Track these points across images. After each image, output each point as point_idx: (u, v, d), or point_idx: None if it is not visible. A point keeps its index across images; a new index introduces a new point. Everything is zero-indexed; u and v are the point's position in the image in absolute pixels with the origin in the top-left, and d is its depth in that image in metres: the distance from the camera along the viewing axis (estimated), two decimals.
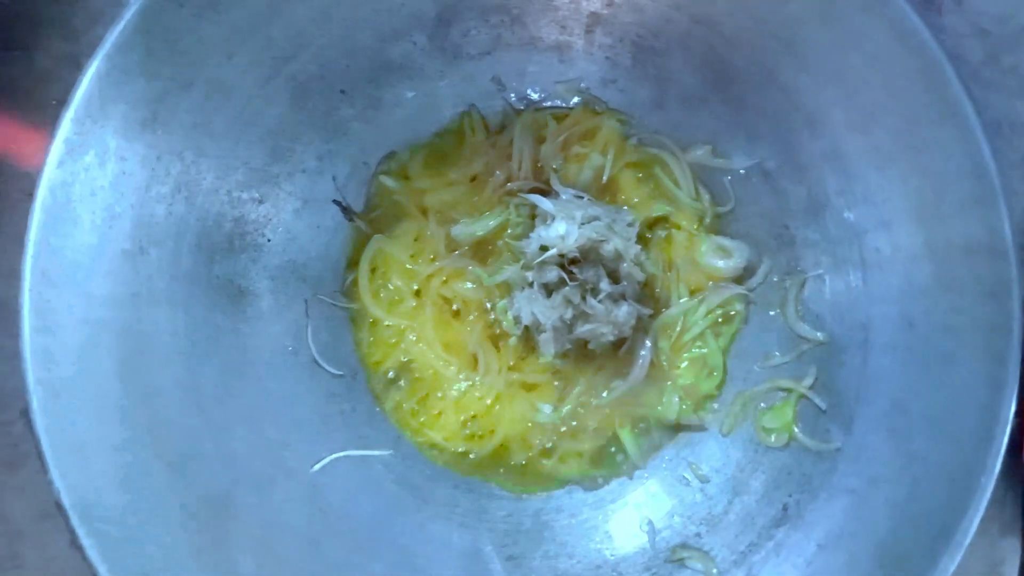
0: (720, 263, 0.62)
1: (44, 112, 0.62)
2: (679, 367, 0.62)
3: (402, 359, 0.63)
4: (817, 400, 0.58)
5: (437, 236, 0.63)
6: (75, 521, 0.47)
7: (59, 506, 0.47)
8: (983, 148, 0.49)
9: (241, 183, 0.58)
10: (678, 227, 0.63)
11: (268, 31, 0.55)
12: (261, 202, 0.59)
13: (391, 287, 0.64)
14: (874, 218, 0.55)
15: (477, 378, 0.62)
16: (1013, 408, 0.47)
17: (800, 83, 0.56)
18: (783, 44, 0.55)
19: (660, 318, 0.62)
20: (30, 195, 0.50)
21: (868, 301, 0.56)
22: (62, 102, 0.52)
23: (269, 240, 0.60)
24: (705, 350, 0.62)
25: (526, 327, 0.61)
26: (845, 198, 0.57)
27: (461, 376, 0.62)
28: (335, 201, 0.62)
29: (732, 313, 0.62)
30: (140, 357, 0.52)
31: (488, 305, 0.63)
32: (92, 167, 0.51)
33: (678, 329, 0.62)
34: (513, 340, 0.62)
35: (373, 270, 0.64)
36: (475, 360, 0.62)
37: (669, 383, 0.62)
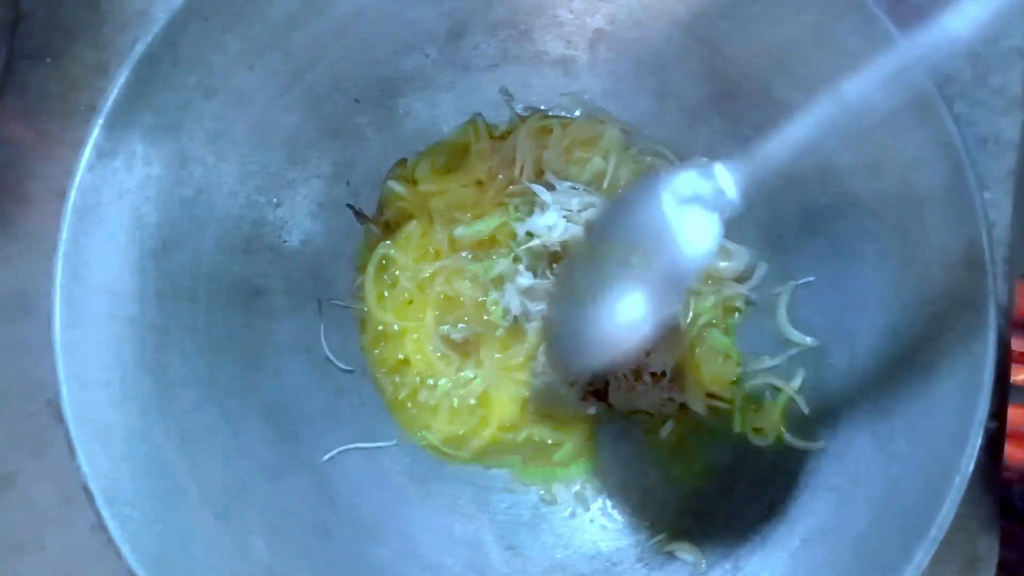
0: (721, 264, 0.64)
1: (74, 117, 0.64)
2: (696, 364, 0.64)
3: (401, 356, 0.65)
4: (802, 403, 0.60)
5: (441, 237, 0.66)
6: (100, 504, 0.49)
7: (86, 490, 0.49)
8: (965, 166, 0.51)
9: (260, 187, 0.60)
10: None
11: (288, 44, 0.57)
12: (278, 206, 0.62)
13: (397, 289, 0.66)
14: (862, 229, 0.58)
15: (471, 372, 0.65)
16: (986, 413, 0.50)
17: (794, 100, 0.57)
18: (778, 63, 0.57)
19: None
20: (57, 196, 0.53)
21: (855, 308, 0.58)
22: (91, 107, 0.54)
23: (285, 242, 0.62)
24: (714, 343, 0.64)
25: (515, 318, 0.63)
26: (835, 209, 0.59)
27: (459, 371, 0.65)
28: (348, 205, 0.65)
29: (733, 308, 0.65)
30: (162, 351, 0.55)
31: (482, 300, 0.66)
32: (120, 171, 0.53)
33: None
34: (500, 332, 0.64)
35: (380, 273, 0.66)
36: (469, 354, 0.65)
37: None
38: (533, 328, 0.63)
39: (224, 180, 0.58)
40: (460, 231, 0.66)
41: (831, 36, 0.54)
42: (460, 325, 0.65)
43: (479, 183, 0.67)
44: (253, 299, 0.60)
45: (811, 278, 0.62)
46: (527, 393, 0.64)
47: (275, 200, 0.62)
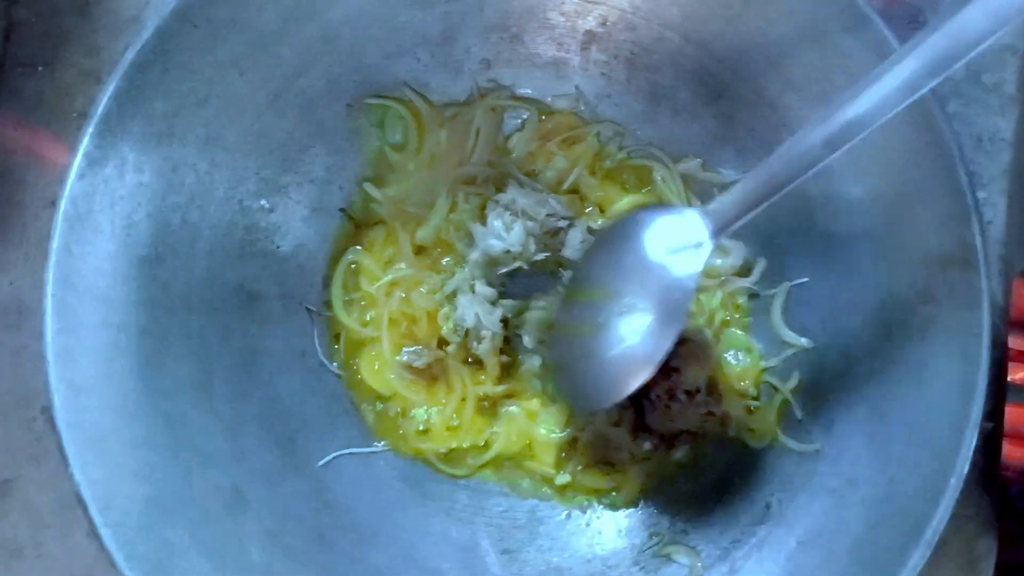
0: (719, 261, 0.64)
1: (66, 124, 0.64)
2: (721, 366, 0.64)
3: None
4: (797, 405, 0.60)
5: (403, 241, 0.64)
6: (93, 512, 0.49)
7: (79, 498, 0.49)
8: (957, 166, 0.51)
9: (252, 193, 0.61)
10: None
11: (279, 50, 0.57)
12: (271, 211, 0.62)
13: (361, 296, 0.64)
14: (856, 230, 0.57)
15: (443, 399, 0.63)
16: (981, 414, 0.49)
17: (787, 100, 0.58)
18: (771, 63, 0.57)
19: None
20: (52, 203, 0.53)
21: (849, 309, 0.58)
22: (83, 115, 0.54)
23: (278, 247, 0.62)
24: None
25: (467, 331, 0.61)
26: (829, 210, 0.59)
27: (430, 397, 0.63)
28: (341, 210, 0.64)
29: (737, 304, 0.64)
30: (156, 358, 0.55)
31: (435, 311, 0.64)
32: (112, 179, 0.53)
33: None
34: (452, 347, 0.62)
35: (350, 279, 0.64)
36: (436, 379, 0.63)
37: None
38: (485, 345, 0.61)
39: (216, 186, 0.58)
40: (421, 233, 0.64)
41: (823, 36, 0.54)
42: (418, 349, 0.63)
43: (433, 165, 0.65)
44: (247, 305, 0.60)
45: (805, 279, 0.61)
46: (538, 431, 0.63)
47: (268, 205, 0.62)
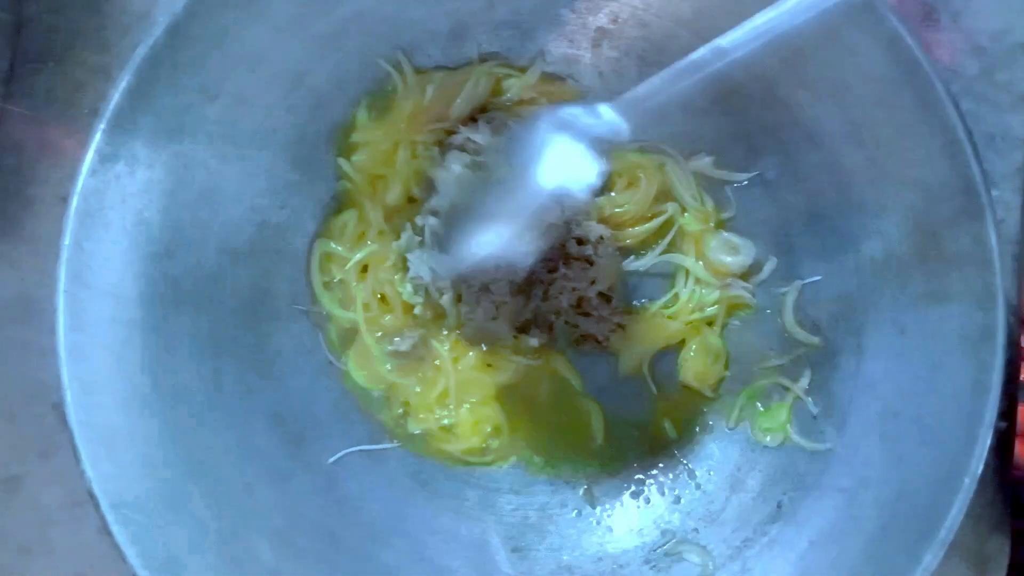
0: (728, 259, 0.64)
1: (77, 120, 0.64)
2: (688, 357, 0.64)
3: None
4: (810, 404, 0.60)
5: (374, 212, 0.62)
6: (105, 508, 0.49)
7: (91, 495, 0.49)
8: (971, 164, 0.51)
9: (263, 190, 0.60)
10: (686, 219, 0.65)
11: (289, 46, 0.57)
12: (282, 208, 0.61)
13: (340, 287, 0.63)
14: (869, 228, 0.57)
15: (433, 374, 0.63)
16: (995, 413, 0.49)
17: (799, 98, 0.58)
18: (783, 61, 0.57)
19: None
20: (62, 200, 0.53)
21: (862, 308, 0.58)
22: (93, 111, 0.54)
23: (289, 244, 0.62)
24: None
25: (426, 290, 0.60)
26: (841, 208, 0.59)
27: (422, 381, 0.63)
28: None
29: (741, 304, 0.64)
30: (166, 354, 0.55)
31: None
32: (123, 175, 0.53)
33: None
34: (418, 309, 0.61)
35: (325, 270, 0.63)
36: (423, 359, 0.63)
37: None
38: (447, 296, 0.60)
39: (227, 183, 0.58)
40: (390, 196, 0.62)
41: (836, 33, 0.53)
42: (402, 334, 0.62)
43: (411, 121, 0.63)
44: (257, 302, 0.60)
45: (818, 277, 0.61)
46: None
47: (278, 203, 0.61)
